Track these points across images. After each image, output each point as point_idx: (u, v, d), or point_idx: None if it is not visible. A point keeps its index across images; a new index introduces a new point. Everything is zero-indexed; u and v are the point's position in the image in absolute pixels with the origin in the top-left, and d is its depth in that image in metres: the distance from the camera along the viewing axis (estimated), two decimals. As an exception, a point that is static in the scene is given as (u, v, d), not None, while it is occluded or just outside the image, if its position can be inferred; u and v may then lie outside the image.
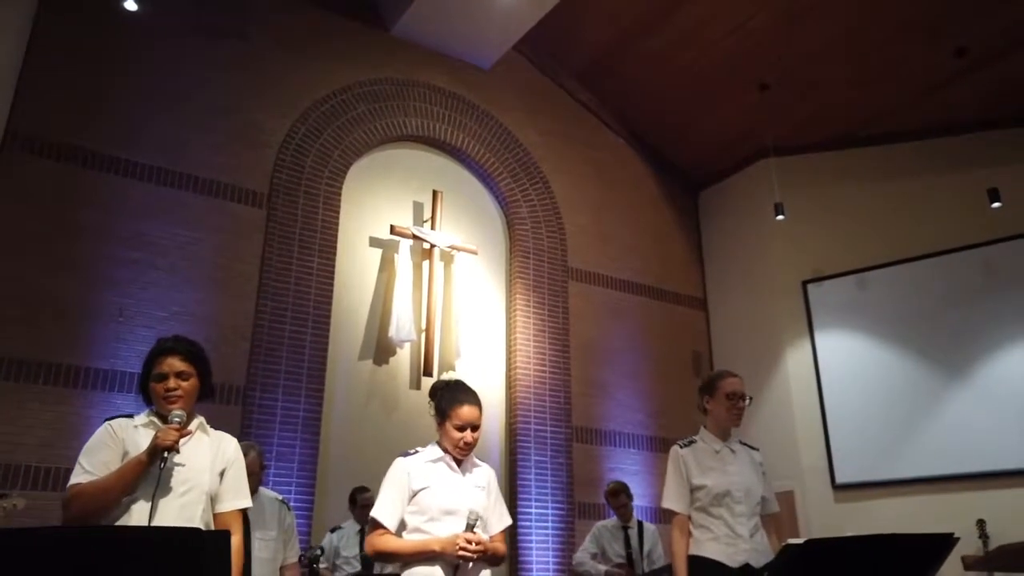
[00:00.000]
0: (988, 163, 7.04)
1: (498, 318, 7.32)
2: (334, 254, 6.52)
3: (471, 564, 2.49)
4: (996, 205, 6.60)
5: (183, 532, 1.71)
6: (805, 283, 7.75)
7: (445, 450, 2.73)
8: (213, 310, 5.89)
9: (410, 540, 2.56)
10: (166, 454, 2.17)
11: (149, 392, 2.39)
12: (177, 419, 2.25)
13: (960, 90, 7.04)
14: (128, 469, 2.17)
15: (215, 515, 2.37)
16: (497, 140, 7.76)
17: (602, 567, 5.46)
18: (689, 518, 3.15)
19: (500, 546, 2.68)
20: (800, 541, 1.83)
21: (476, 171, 7.65)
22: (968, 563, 3.91)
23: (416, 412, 6.54)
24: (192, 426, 2.38)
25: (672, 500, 3.20)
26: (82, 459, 2.26)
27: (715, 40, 7.37)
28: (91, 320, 5.39)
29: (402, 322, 6.48)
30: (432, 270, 6.92)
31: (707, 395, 3.28)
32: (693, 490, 3.15)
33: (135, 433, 2.33)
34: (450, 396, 2.75)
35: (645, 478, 7.49)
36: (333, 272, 6.47)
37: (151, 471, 2.18)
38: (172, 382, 2.34)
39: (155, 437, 2.19)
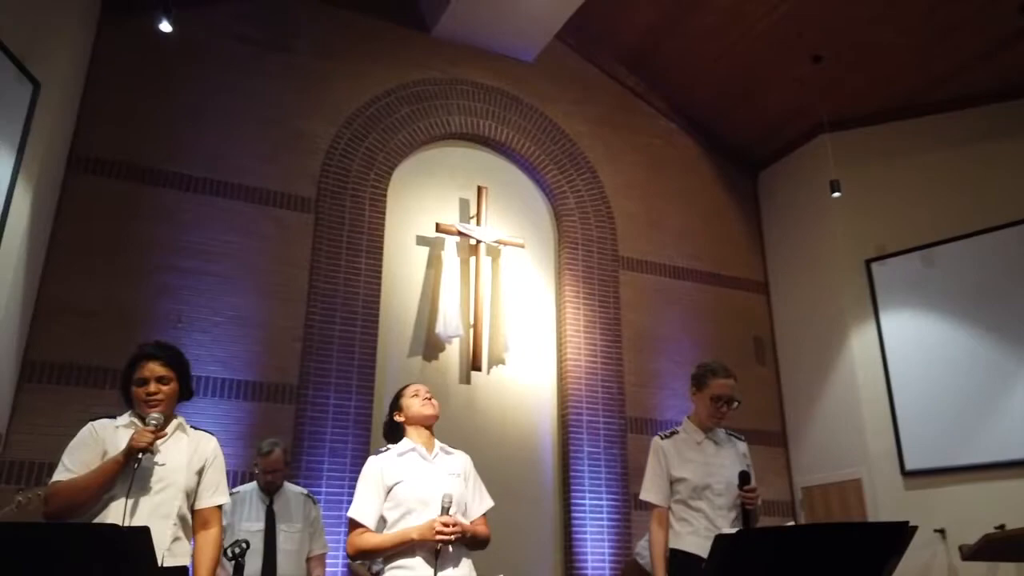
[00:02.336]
0: (1061, 125, 6.56)
1: (547, 310, 7.33)
2: (381, 254, 6.68)
3: (451, 548, 2.55)
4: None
5: (103, 529, 1.83)
6: (868, 262, 7.41)
7: (414, 442, 2.79)
8: (265, 313, 6.15)
9: (389, 533, 2.63)
10: (140, 455, 2.30)
11: (130, 395, 2.54)
12: (154, 422, 2.39)
13: (1025, 49, 6.58)
14: (105, 468, 2.32)
15: (195, 511, 2.50)
16: (542, 132, 7.75)
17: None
18: (669, 510, 3.09)
19: (482, 528, 2.73)
20: (732, 531, 1.78)
21: (522, 164, 7.67)
22: (965, 553, 3.71)
23: (466, 406, 6.65)
24: (171, 427, 2.52)
25: (650, 492, 3.15)
26: (64, 457, 2.43)
27: (763, 13, 7.11)
28: (151, 327, 5.72)
29: (449, 318, 6.59)
30: (479, 265, 6.99)
31: (695, 387, 3.22)
32: (673, 482, 3.09)
33: (115, 434, 2.48)
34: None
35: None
36: (380, 272, 6.63)
37: (127, 470, 2.32)
38: (153, 386, 2.48)
39: (131, 438, 2.33)
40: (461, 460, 2.86)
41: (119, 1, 6.22)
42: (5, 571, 1.48)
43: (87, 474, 2.35)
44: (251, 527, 3.92)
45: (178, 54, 6.41)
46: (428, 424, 2.82)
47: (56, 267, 5.60)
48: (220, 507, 2.59)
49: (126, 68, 6.23)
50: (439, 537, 2.50)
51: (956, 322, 6.76)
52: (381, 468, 2.73)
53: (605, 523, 6.72)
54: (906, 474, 6.74)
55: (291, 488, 4.10)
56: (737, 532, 1.73)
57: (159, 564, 2.27)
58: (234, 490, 4.22)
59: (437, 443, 2.86)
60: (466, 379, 6.73)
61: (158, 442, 2.39)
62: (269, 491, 4.07)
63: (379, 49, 7.26)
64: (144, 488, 2.36)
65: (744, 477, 3.01)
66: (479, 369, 6.70)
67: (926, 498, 6.56)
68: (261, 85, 6.68)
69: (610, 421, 7.04)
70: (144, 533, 1.71)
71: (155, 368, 2.51)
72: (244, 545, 2.12)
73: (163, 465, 2.42)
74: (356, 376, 6.25)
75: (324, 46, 7.03)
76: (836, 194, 6.93)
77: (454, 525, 2.52)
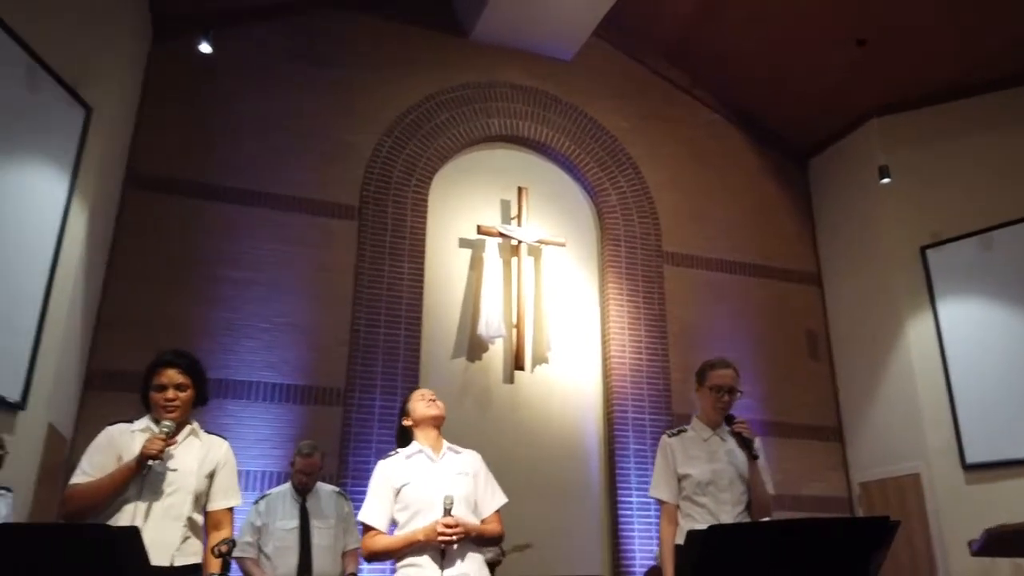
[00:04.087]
0: None
1: (591, 308, 7.33)
2: (423, 258, 6.81)
3: (455, 547, 2.60)
4: None
5: (93, 529, 1.95)
6: (924, 248, 7.15)
7: (422, 444, 2.86)
8: (312, 319, 6.34)
9: (398, 535, 2.71)
10: (151, 461, 2.43)
11: (149, 400, 2.68)
12: (166, 429, 2.51)
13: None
14: (119, 473, 2.46)
15: (207, 513, 2.62)
16: (582, 130, 7.75)
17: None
18: (678, 507, 3.09)
19: (491, 527, 2.77)
20: (703, 527, 1.77)
21: (562, 163, 7.69)
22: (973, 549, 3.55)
23: (510, 406, 6.72)
24: (184, 432, 2.64)
25: (659, 489, 3.18)
26: (83, 460, 2.58)
27: (804, -2, 6.96)
28: (203, 335, 5.98)
29: (491, 319, 6.66)
30: (520, 266, 7.04)
31: (697, 383, 3.21)
32: (680, 479, 3.10)
33: (131, 438, 2.62)
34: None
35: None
36: (423, 275, 6.76)
37: (140, 475, 2.45)
38: (171, 393, 2.61)
39: (143, 446, 2.46)
40: (470, 459, 2.92)
41: (168, 25, 6.52)
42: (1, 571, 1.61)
43: (102, 478, 2.49)
44: (286, 525, 4.09)
45: (225, 72, 6.66)
46: (434, 425, 2.89)
47: (115, 280, 5.91)
48: (231, 509, 2.70)
49: (176, 88, 6.52)
50: (441, 538, 2.56)
51: (1017, 307, 6.47)
52: (388, 471, 2.81)
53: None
54: (967, 468, 6.48)
55: (323, 487, 4.25)
56: (709, 527, 1.72)
57: (170, 563, 2.41)
58: (267, 492, 4.39)
59: (445, 443, 2.92)
60: (510, 379, 6.80)
61: (170, 448, 2.52)
62: (302, 491, 4.22)
63: (417, 56, 7.39)
64: (156, 491, 2.49)
65: (730, 418, 3.18)
66: (522, 369, 6.76)
67: (989, 492, 6.30)
68: (304, 98, 6.89)
69: (656, 418, 7.00)
70: (133, 533, 1.82)
71: (174, 375, 2.63)
72: (231, 543, 2.22)
73: (175, 470, 2.54)
74: (401, 378, 6.38)
75: (363, 57, 7.20)
76: (885, 180, 6.74)
77: (455, 526, 2.57)
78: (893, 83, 7.30)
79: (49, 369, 4.78)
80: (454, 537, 2.57)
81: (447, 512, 2.61)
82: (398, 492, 2.76)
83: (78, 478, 2.56)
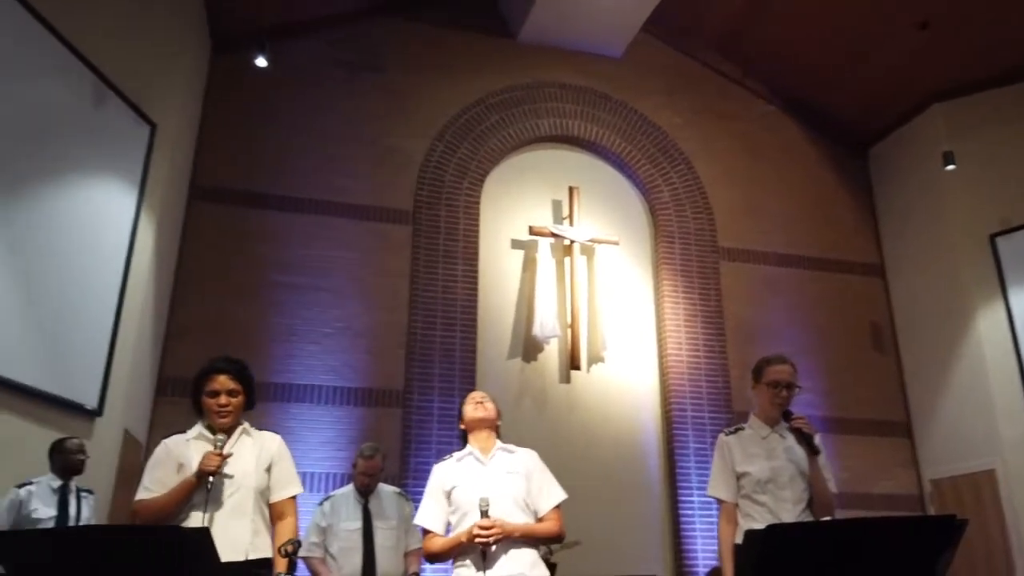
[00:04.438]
0: None
1: (646, 306, 7.28)
2: (477, 260, 6.87)
3: (494, 547, 2.63)
4: None
5: (166, 531, 2.03)
6: (993, 236, 6.90)
7: (472, 446, 2.90)
8: (370, 322, 6.46)
9: (449, 537, 2.76)
10: (211, 477, 2.53)
11: (201, 406, 2.78)
12: (220, 443, 2.60)
13: None
14: (181, 489, 2.57)
15: (271, 504, 2.71)
16: (633, 127, 7.71)
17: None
18: (737, 506, 3.05)
19: (545, 525, 2.78)
20: (762, 526, 1.75)
21: (613, 161, 7.66)
22: None
23: (567, 406, 6.72)
24: (236, 434, 2.73)
25: (717, 488, 3.15)
26: (144, 477, 2.70)
27: (861, -17, 6.79)
28: (267, 341, 6.15)
29: (545, 320, 6.68)
30: (573, 265, 7.04)
31: (754, 380, 3.16)
32: (739, 477, 3.05)
33: (186, 447, 2.72)
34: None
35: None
36: (477, 277, 6.82)
37: (201, 487, 2.55)
38: (224, 399, 2.70)
39: (200, 462, 2.56)
40: (523, 458, 2.93)
41: (225, 41, 6.72)
42: (78, 572, 1.70)
43: (166, 494, 2.61)
44: (349, 526, 4.18)
45: (279, 83, 6.84)
46: (483, 427, 2.92)
47: (183, 290, 6.13)
48: (294, 498, 2.78)
49: (234, 102, 6.72)
50: (477, 540, 2.59)
51: (1096, 296, 6.19)
52: (440, 474, 2.87)
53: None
54: (1047, 463, 6.23)
55: (385, 488, 4.33)
56: (768, 527, 1.70)
57: (244, 557, 2.51)
58: (330, 493, 4.49)
59: (498, 444, 2.94)
60: (566, 379, 6.80)
61: (223, 457, 2.62)
62: (364, 492, 4.31)
63: (466, 60, 7.45)
64: (220, 494, 2.59)
65: (788, 414, 3.10)
66: (578, 368, 6.76)
67: (1070, 489, 6.04)
68: (357, 106, 7.02)
69: (716, 416, 6.91)
70: (204, 533, 1.90)
71: (225, 382, 2.72)
72: (296, 543, 2.29)
73: (231, 476, 2.63)
74: (458, 379, 6.45)
75: (412, 62, 7.30)
76: (950, 167, 6.53)
77: (492, 527, 2.60)
78: (956, 66, 7.06)
79: (123, 377, 4.99)
80: (491, 539, 2.60)
81: (483, 514, 2.64)
82: (449, 494, 2.81)
83: (142, 495, 2.68)
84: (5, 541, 1.98)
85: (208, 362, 2.81)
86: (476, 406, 2.94)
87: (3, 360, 4.08)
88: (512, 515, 2.71)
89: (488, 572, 2.62)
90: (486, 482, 2.79)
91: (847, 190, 8.22)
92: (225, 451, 2.65)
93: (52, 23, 4.52)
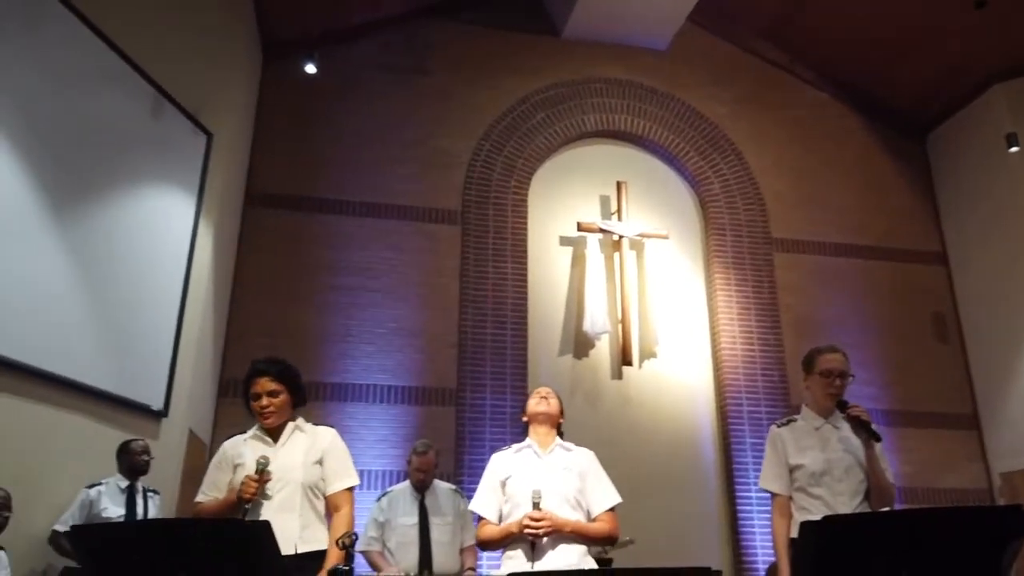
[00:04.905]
0: None
1: (698, 300, 7.20)
2: (526, 258, 6.89)
3: (544, 540, 2.65)
4: None
5: (230, 524, 2.10)
6: (1062, 219, 6.64)
7: (532, 439, 2.92)
8: (422, 322, 6.54)
9: (500, 525, 2.80)
10: (247, 505, 2.60)
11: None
12: (262, 464, 2.66)
13: None
14: (227, 503, 2.67)
15: (326, 497, 2.77)
16: (680, 119, 7.63)
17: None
18: (791, 499, 2.99)
19: (598, 526, 2.78)
20: (817, 519, 1.72)
21: (661, 155, 7.60)
22: None
23: (619, 402, 6.69)
24: (287, 431, 2.80)
25: (769, 481, 3.08)
26: (205, 478, 2.81)
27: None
28: (322, 342, 6.28)
29: (595, 316, 6.66)
30: (623, 260, 7.01)
31: (805, 371, 3.09)
32: (792, 470, 2.99)
33: (243, 446, 2.80)
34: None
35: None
36: (526, 275, 6.84)
37: (239, 507, 2.62)
38: (264, 400, 2.76)
39: (240, 488, 2.62)
40: (580, 456, 2.94)
41: (276, 49, 6.88)
42: (148, 563, 1.78)
43: (217, 503, 2.73)
44: (406, 521, 4.25)
45: (328, 89, 6.97)
46: (543, 421, 2.94)
47: (241, 294, 6.30)
48: (350, 490, 2.82)
49: (285, 109, 6.88)
50: (527, 532, 2.62)
51: None
52: (497, 463, 2.90)
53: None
54: (1125, 456, 5.97)
55: (440, 484, 4.39)
56: (824, 517, 1.67)
57: (294, 551, 2.59)
58: (388, 489, 4.58)
59: (557, 440, 2.96)
60: (618, 374, 6.77)
61: (275, 448, 2.71)
62: (420, 488, 4.38)
63: (510, 58, 7.48)
64: (267, 492, 2.67)
65: (843, 403, 3.03)
66: (630, 364, 6.73)
67: None
68: (402, 108, 7.11)
69: (773, 410, 6.79)
70: (265, 527, 1.96)
71: (265, 383, 2.77)
72: (353, 536, 2.34)
73: (280, 477, 2.70)
74: (510, 377, 6.48)
75: (457, 63, 7.36)
76: (1014, 148, 6.30)
77: (542, 520, 2.62)
78: (1017, 44, 6.80)
79: (186, 379, 5.16)
80: (540, 531, 2.62)
81: (535, 506, 2.66)
82: (504, 484, 2.84)
83: (199, 497, 2.82)
84: (81, 534, 2.08)
85: (251, 364, 2.87)
86: (540, 400, 2.97)
87: (75, 364, 4.26)
88: (562, 511, 2.74)
89: (536, 564, 2.65)
90: (541, 475, 2.82)
91: (904, 177, 7.99)
92: (273, 452, 2.74)
93: (113, 39, 4.70)
